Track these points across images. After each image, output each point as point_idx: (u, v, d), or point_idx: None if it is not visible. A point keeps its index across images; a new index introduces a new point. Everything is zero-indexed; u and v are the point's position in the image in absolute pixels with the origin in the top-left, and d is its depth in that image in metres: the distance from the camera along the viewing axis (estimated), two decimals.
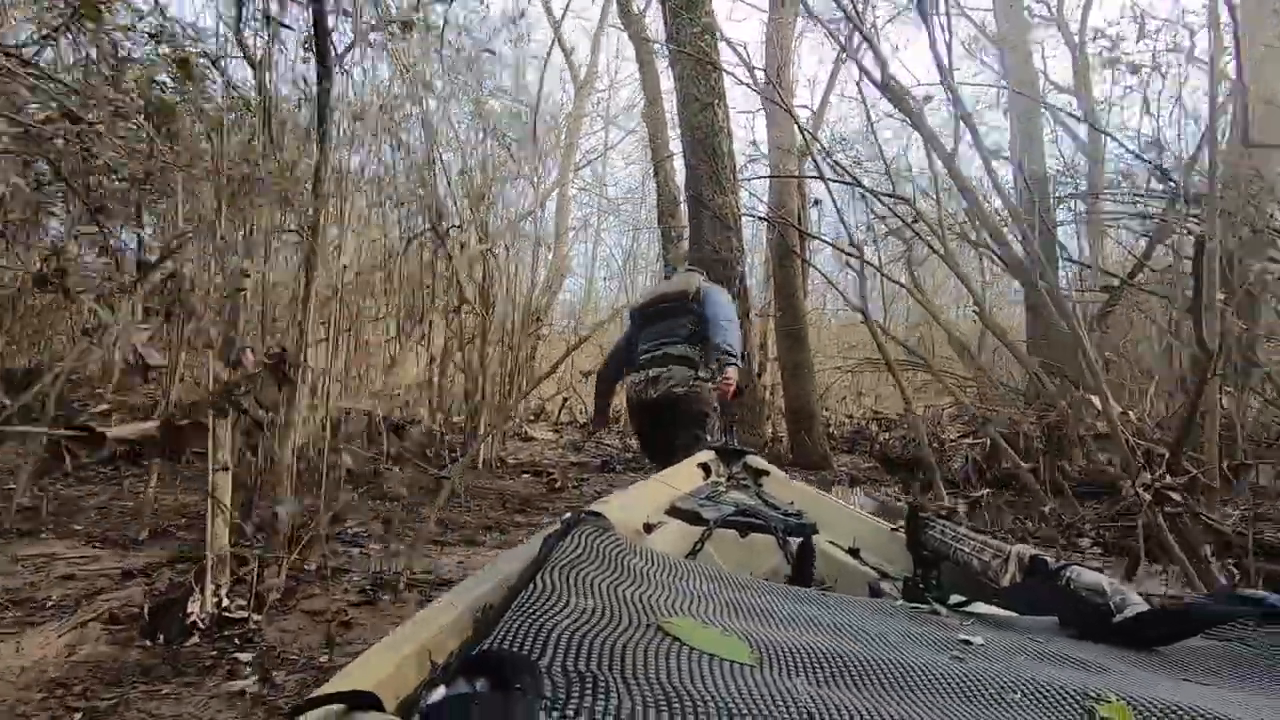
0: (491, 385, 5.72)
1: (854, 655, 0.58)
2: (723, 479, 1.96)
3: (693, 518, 1.41)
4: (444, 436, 6.10)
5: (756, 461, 2.04)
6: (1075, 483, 4.98)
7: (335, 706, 0.44)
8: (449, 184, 5.53)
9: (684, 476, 1.81)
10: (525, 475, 5.12)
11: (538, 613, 0.55)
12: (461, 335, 5.70)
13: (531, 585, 0.61)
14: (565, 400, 8.19)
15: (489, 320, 5.29)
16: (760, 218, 5.80)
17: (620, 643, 0.52)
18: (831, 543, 1.43)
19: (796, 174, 5.90)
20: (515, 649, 0.48)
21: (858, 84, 4.07)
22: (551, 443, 6.94)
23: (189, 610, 1.55)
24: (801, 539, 1.29)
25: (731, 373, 2.89)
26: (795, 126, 4.84)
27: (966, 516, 3.53)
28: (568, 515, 0.83)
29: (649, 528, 1.38)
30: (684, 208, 6.31)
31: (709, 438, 2.72)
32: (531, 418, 9.02)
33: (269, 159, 1.98)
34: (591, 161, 12.46)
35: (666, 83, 6.73)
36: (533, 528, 3.84)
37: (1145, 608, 0.81)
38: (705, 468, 1.97)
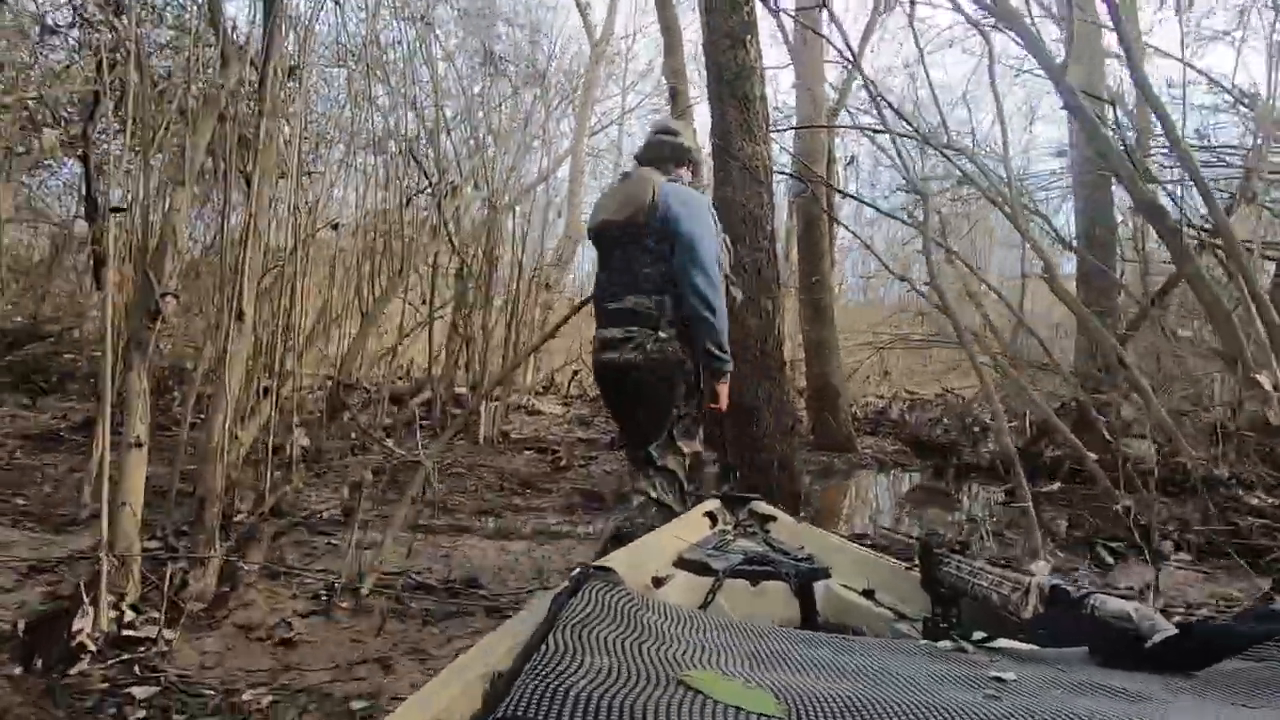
0: (494, 353, 5.27)
1: (884, 700, 0.55)
2: (729, 526, 1.94)
3: (702, 569, 1.42)
4: (445, 408, 5.70)
5: (762, 507, 2.00)
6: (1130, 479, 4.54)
7: None
8: (448, 134, 5.05)
9: (690, 526, 1.80)
10: (528, 452, 4.87)
11: (552, 674, 0.53)
12: (462, 300, 5.26)
13: (544, 646, 0.59)
14: (575, 373, 7.77)
15: (491, 283, 4.81)
16: (792, 175, 5.28)
17: (640, 701, 0.50)
18: (845, 585, 1.43)
19: (837, 124, 5.37)
20: (531, 715, 0.46)
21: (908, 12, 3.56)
22: (559, 417, 6.54)
23: (76, 627, 1.21)
24: (808, 585, 1.29)
25: (723, 389, 2.24)
26: (840, 63, 4.30)
27: (1021, 514, 3.09)
28: (576, 571, 0.82)
29: (658, 581, 1.40)
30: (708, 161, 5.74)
31: (677, 412, 2.20)
32: (539, 390, 8.56)
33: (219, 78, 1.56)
34: (607, 126, 11.86)
35: (689, 33, 6.14)
36: (533, 512, 3.43)
37: (1175, 631, 0.78)
38: (711, 516, 1.95)
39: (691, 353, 2.17)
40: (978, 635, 0.89)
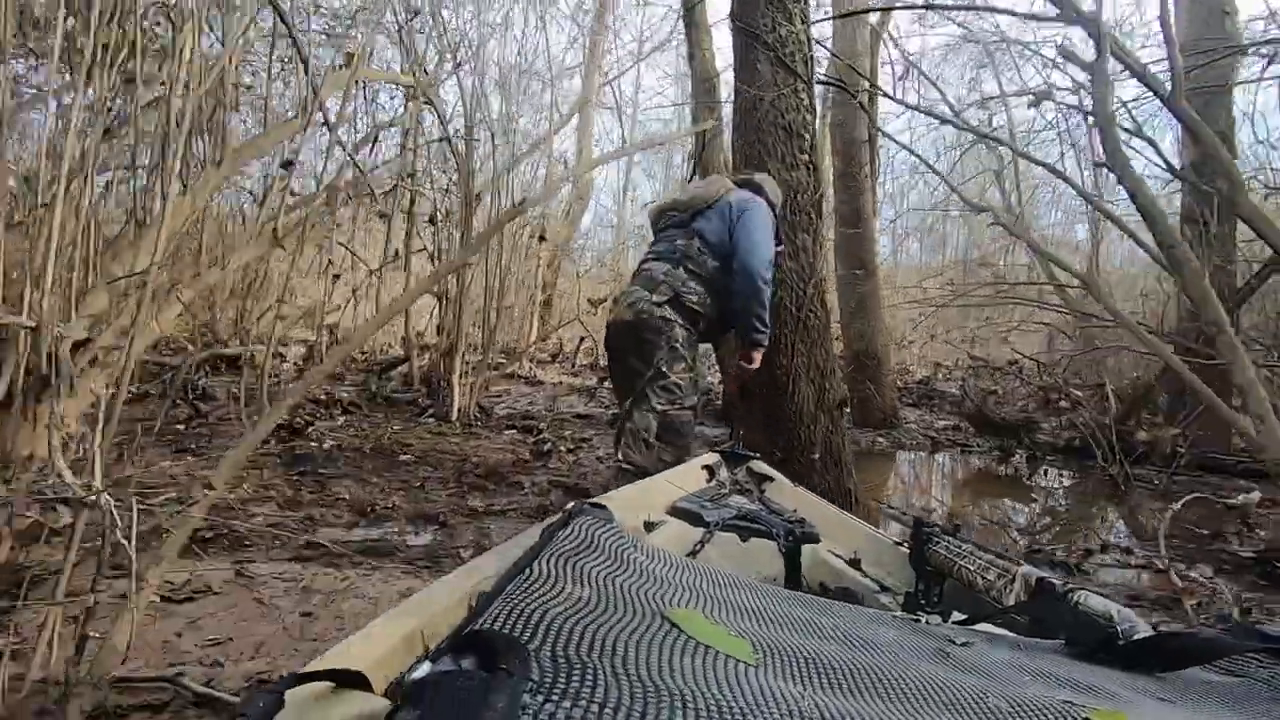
0: (475, 314, 4.41)
1: (854, 663, 0.60)
2: (726, 482, 2.00)
3: (694, 519, 1.49)
4: (422, 379, 4.89)
5: (760, 467, 2.07)
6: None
7: (322, 684, 0.45)
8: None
9: (688, 477, 1.85)
10: (511, 431, 4.47)
11: (532, 598, 0.57)
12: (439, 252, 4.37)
13: (528, 570, 0.63)
14: (581, 340, 7.00)
15: (468, 229, 3.92)
16: (828, 81, 4.25)
17: (614, 634, 0.53)
18: (832, 552, 1.48)
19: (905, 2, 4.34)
20: (506, 631, 0.50)
21: None
22: (563, 388, 5.70)
23: None
24: (796, 547, 1.39)
25: (756, 355, 2.59)
26: None
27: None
28: (570, 505, 0.86)
29: (650, 526, 1.44)
30: (726, 89, 4.79)
31: (653, 371, 2.42)
32: (547, 358, 7.78)
33: None
34: (622, 74, 10.89)
35: None
36: (492, 517, 2.61)
37: (1151, 634, 0.84)
38: (709, 470, 2.01)
39: (685, 322, 2.46)
40: (957, 616, 0.99)
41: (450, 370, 4.51)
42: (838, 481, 2.79)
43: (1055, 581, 0.99)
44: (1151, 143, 4.84)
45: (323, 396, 4.43)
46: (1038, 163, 3.99)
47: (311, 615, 1.66)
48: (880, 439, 5.05)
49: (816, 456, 2.73)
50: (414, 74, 3.00)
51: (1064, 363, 4.93)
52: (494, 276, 4.92)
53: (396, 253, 4.55)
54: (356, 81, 2.72)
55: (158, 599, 1.61)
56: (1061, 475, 4.36)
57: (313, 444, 3.50)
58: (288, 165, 2.51)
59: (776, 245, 2.55)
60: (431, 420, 4.44)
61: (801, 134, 2.84)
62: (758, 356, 2.56)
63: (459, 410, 4.49)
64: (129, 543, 1.01)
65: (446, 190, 4.82)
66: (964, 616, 0.96)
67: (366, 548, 2.25)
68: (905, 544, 1.34)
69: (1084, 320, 4.70)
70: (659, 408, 2.40)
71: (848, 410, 4.17)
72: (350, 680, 0.45)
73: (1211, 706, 0.69)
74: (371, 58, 4.57)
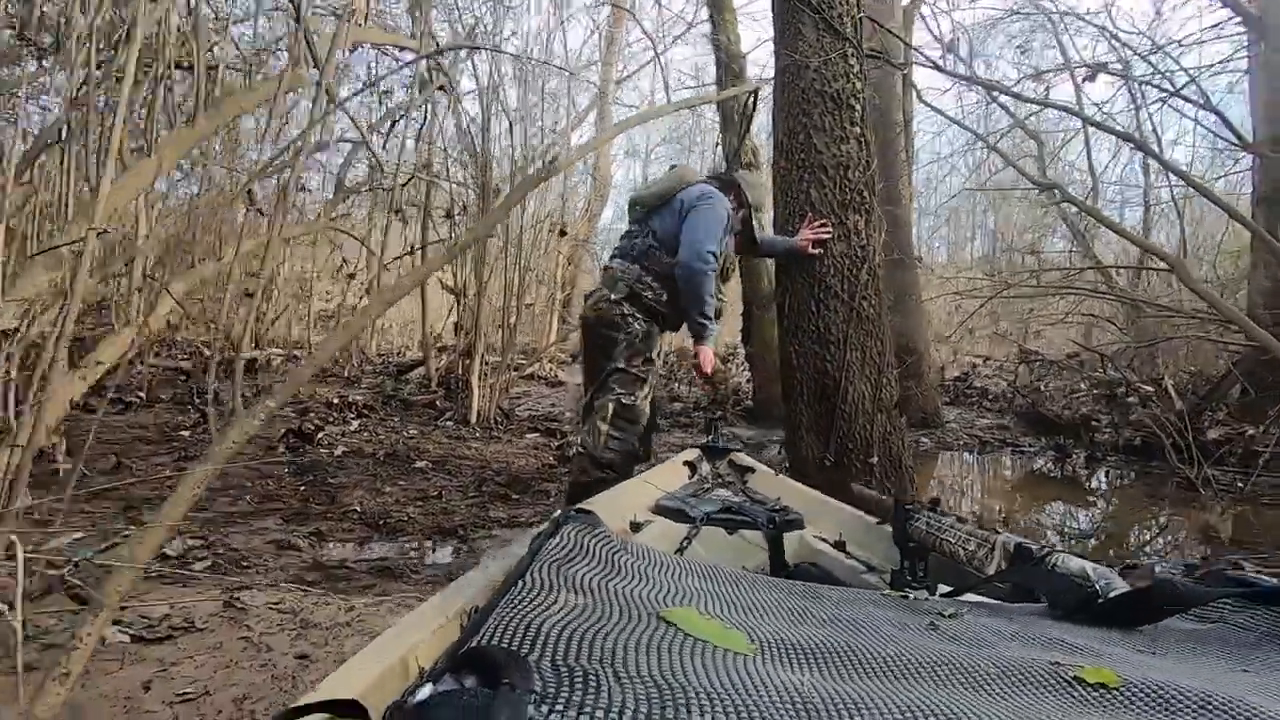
0: (492, 315, 4.17)
1: (847, 645, 0.62)
2: (708, 476, 2.01)
3: (679, 515, 1.51)
4: (440, 381, 4.66)
5: (742, 459, 2.09)
6: None
7: (319, 716, 0.45)
8: None
9: (669, 475, 1.89)
10: (533, 434, 4.31)
11: (527, 609, 0.56)
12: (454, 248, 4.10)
13: (520, 582, 0.62)
14: None
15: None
16: (874, 54, 3.95)
17: (612, 637, 0.54)
18: (818, 536, 1.49)
19: None
20: (504, 645, 0.50)
21: None
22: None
23: None
24: (780, 534, 1.41)
25: (704, 352, 2.58)
26: None
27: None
28: (556, 514, 0.87)
29: (636, 526, 1.46)
30: (749, 73, 4.57)
31: (614, 365, 2.46)
32: (568, 359, 7.54)
33: None
34: (641, 69, 10.67)
35: None
36: (518, 528, 2.71)
37: (1128, 589, 0.85)
38: (691, 465, 2.03)
39: (643, 317, 2.52)
40: (943, 589, 1.02)
41: (469, 371, 4.38)
42: (899, 487, 2.50)
43: (1031, 547, 1.01)
44: (1220, 115, 4.52)
45: (335, 400, 4.35)
46: (1119, 134, 3.68)
47: (307, 658, 1.44)
48: (924, 439, 4.76)
49: (875, 460, 2.45)
50: (422, 43, 2.79)
51: (1129, 354, 4.56)
52: (513, 273, 4.72)
53: (412, 248, 4.35)
54: (356, 45, 2.51)
55: (127, 639, 1.37)
56: (1125, 477, 4.03)
57: (323, 450, 3.41)
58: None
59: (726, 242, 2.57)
60: (450, 424, 4.31)
61: (851, 104, 2.57)
62: (706, 354, 2.59)
63: (478, 413, 4.34)
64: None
65: (463, 183, 4.60)
66: (949, 589, 0.99)
67: (377, 568, 2.01)
68: (887, 523, 1.36)
69: (1145, 310, 4.36)
70: (617, 398, 2.50)
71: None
72: (347, 709, 0.46)
73: (1192, 653, 0.72)
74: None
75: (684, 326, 2.70)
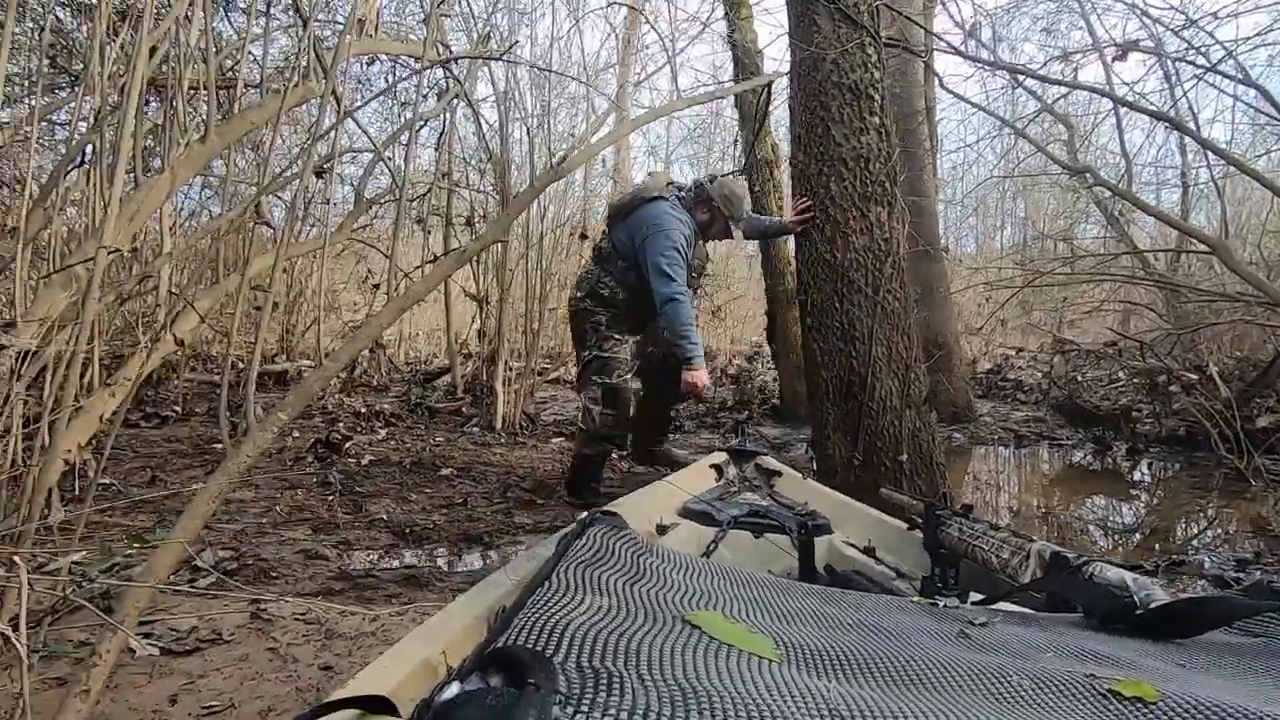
0: (516, 320, 4.17)
1: (874, 653, 0.60)
2: (735, 480, 2.00)
3: (706, 519, 1.50)
4: (466, 388, 4.67)
5: (768, 462, 2.05)
6: None
7: (349, 712, 0.45)
8: None
9: (696, 478, 1.87)
10: (559, 439, 4.21)
11: (553, 610, 0.57)
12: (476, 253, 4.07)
13: (547, 583, 0.63)
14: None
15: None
16: (893, 43, 3.88)
17: (637, 640, 0.53)
18: (847, 542, 1.47)
19: None
20: (530, 646, 0.50)
21: None
22: None
23: None
24: (809, 539, 1.37)
25: (696, 376, 2.78)
26: None
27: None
28: (583, 515, 0.89)
29: (662, 529, 1.47)
30: (767, 68, 4.53)
31: (589, 354, 2.85)
32: None
33: None
34: (659, 70, 10.62)
35: None
36: (540, 535, 2.29)
37: (1169, 601, 0.82)
38: (718, 469, 2.02)
39: (604, 310, 2.86)
40: (975, 597, 0.99)
41: (493, 378, 4.38)
42: (930, 485, 2.45)
43: (1069, 555, 0.98)
44: (1261, 89, 4.34)
45: (363, 409, 4.38)
46: (1153, 114, 3.54)
47: (331, 670, 1.46)
48: (956, 434, 4.64)
49: (904, 458, 2.39)
50: (438, 51, 2.79)
51: (1169, 341, 4.39)
52: (535, 278, 4.75)
53: (435, 256, 4.36)
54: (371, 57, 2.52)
55: (157, 651, 1.39)
56: (1169, 468, 3.88)
57: (350, 460, 3.44)
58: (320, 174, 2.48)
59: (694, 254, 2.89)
60: (476, 430, 4.35)
61: (870, 94, 2.52)
62: (697, 377, 2.79)
63: (503, 419, 4.35)
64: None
65: (482, 190, 4.62)
66: (981, 597, 0.97)
67: (403, 577, 2.01)
68: (918, 529, 1.34)
69: (1185, 294, 4.20)
70: (600, 381, 2.83)
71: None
72: (377, 706, 0.46)
73: (1233, 668, 0.69)
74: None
75: (646, 329, 3.01)
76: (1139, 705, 0.53)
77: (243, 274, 1.14)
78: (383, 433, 4.13)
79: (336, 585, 2.04)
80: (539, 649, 0.49)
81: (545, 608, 0.56)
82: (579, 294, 2.96)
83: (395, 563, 2.25)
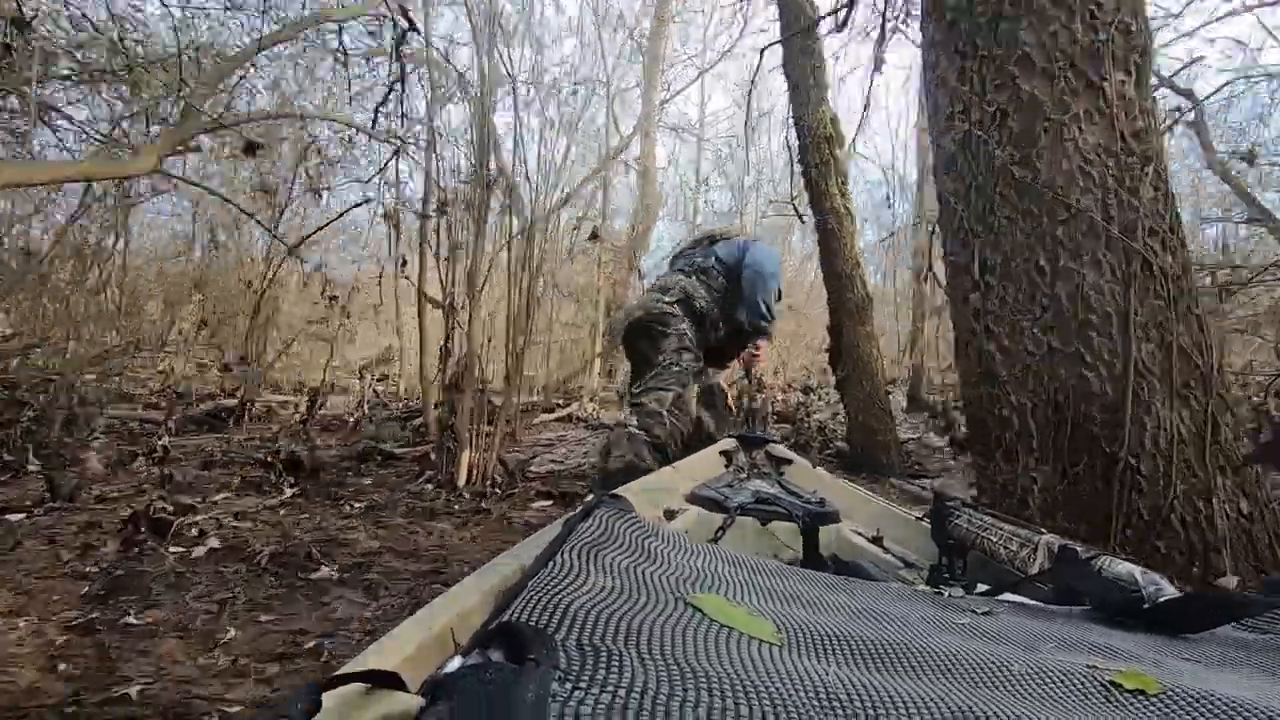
0: (493, 337, 3.81)
1: (878, 639, 0.62)
2: (744, 467, 2.03)
3: (714, 505, 1.53)
4: (443, 426, 3.58)
5: (778, 450, 2.10)
6: None
7: (358, 685, 0.46)
8: None
9: (705, 465, 1.90)
10: (544, 502, 3.03)
11: (556, 589, 0.59)
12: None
13: (551, 563, 0.66)
14: None
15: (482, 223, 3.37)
16: None
17: (638, 620, 0.55)
18: (855, 531, 1.49)
19: None
20: (532, 623, 0.52)
21: None
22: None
23: None
24: (815, 527, 1.40)
25: (762, 347, 3.12)
26: None
27: None
28: (589, 498, 0.90)
29: (670, 514, 1.48)
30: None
31: (663, 359, 2.83)
32: (614, 396, 7.08)
33: None
34: (687, 86, 11.48)
35: None
36: None
37: (1177, 595, 0.83)
38: (727, 455, 2.06)
39: (691, 320, 2.92)
40: (981, 588, 0.98)
41: (457, 414, 3.07)
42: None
43: (1077, 548, 0.97)
44: None
45: (281, 457, 3.07)
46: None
47: None
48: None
49: (1229, 576, 1.34)
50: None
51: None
52: (522, 280, 3.38)
53: (404, 260, 3.90)
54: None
55: None
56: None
57: (180, 549, 2.04)
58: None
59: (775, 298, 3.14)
60: (428, 488, 3.06)
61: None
62: (763, 349, 3.10)
63: (469, 472, 3.06)
64: None
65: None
66: (987, 588, 0.98)
67: None
68: (926, 519, 1.35)
69: None
70: (674, 390, 2.85)
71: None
72: (384, 680, 0.46)
73: (1240, 665, 0.69)
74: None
75: (709, 355, 3.15)
76: (1140, 697, 0.54)
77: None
78: (289, 491, 2.81)
79: None
80: (541, 626, 0.51)
81: (548, 587, 0.59)
82: (668, 299, 2.92)
83: None
